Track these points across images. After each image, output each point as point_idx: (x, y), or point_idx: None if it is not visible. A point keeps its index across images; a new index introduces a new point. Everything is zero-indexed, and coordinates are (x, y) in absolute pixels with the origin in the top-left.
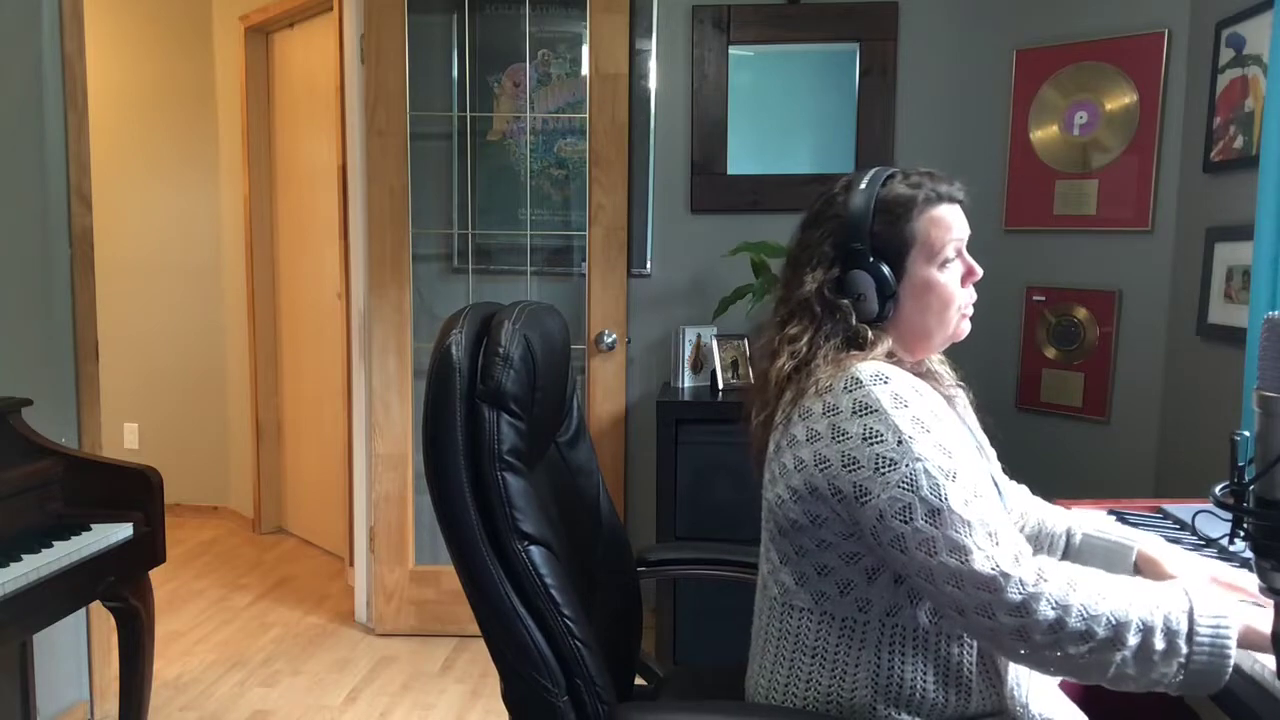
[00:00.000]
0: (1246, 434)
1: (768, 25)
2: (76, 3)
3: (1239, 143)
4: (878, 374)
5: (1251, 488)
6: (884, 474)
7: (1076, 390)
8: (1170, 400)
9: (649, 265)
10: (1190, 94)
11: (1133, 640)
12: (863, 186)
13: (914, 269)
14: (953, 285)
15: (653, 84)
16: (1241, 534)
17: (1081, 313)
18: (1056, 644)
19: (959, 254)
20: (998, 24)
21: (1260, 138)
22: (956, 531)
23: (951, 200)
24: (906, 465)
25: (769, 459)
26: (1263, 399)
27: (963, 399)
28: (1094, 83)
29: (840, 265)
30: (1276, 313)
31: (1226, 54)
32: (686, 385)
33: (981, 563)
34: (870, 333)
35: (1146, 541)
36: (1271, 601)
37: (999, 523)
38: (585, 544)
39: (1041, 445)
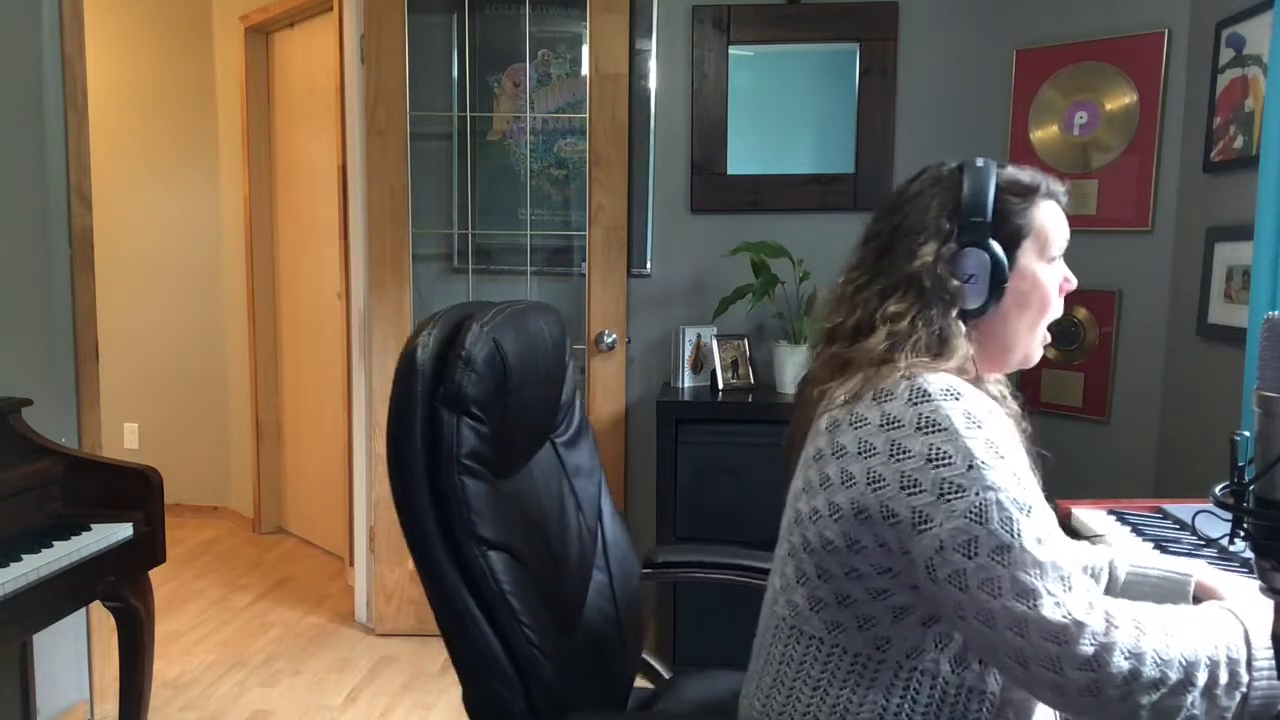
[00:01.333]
0: (1246, 434)
1: (768, 25)
2: (76, 3)
3: (1239, 143)
4: (949, 389)
5: (1251, 488)
6: (949, 501)
7: (1076, 390)
8: (1170, 400)
9: (649, 265)
10: (1190, 94)
11: (1202, 678)
12: (979, 165)
13: (1024, 260)
14: (1053, 288)
15: (653, 84)
16: (1241, 534)
17: (1081, 313)
18: (1129, 696)
19: (1061, 257)
20: (998, 24)
21: (1260, 138)
22: (1027, 573)
23: (1060, 201)
24: (976, 494)
25: (804, 462)
26: (1263, 399)
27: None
28: (1094, 83)
29: (956, 241)
30: (1276, 313)
31: (1226, 54)
32: (686, 385)
33: (1051, 609)
34: (955, 334)
35: (1200, 571)
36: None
37: (1071, 565)
38: (584, 545)
39: (1041, 445)
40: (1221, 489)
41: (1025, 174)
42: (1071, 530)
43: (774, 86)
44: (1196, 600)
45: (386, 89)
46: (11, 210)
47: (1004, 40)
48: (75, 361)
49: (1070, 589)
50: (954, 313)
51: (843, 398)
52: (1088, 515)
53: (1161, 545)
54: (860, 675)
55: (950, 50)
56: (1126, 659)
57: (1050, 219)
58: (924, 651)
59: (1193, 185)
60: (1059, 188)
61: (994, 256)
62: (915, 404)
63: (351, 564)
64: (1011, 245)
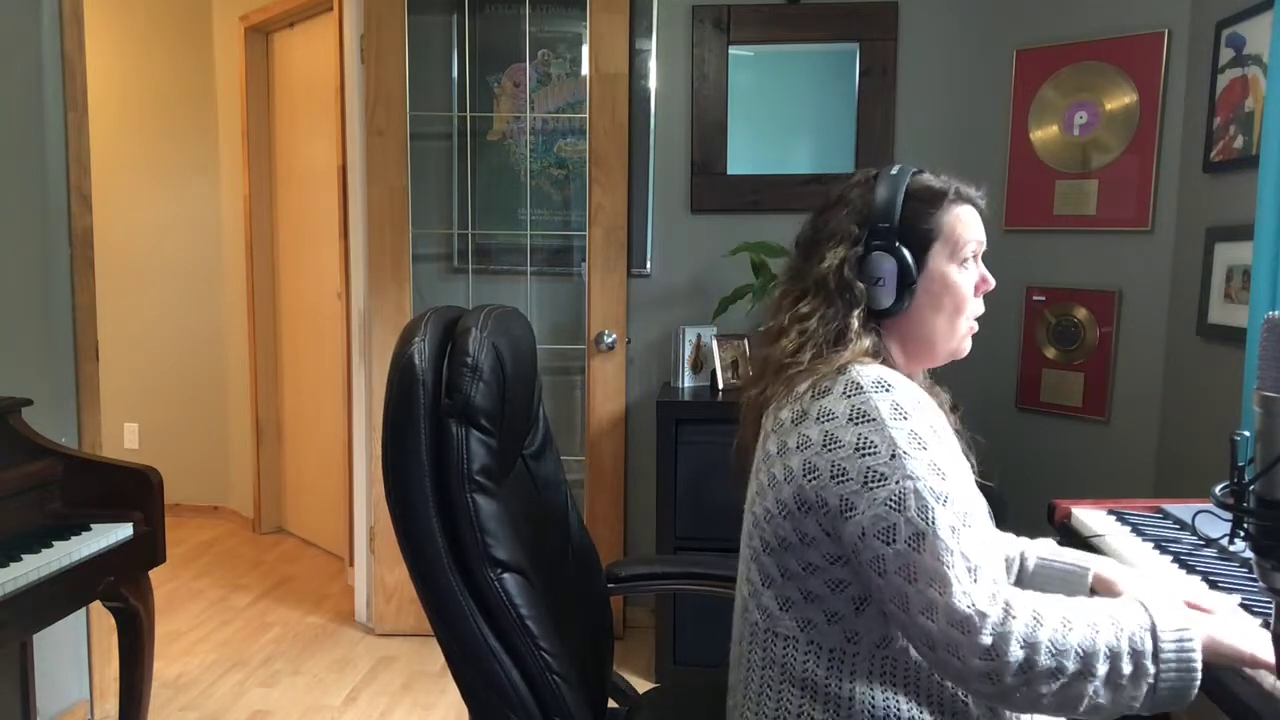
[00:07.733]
0: (1246, 434)
1: (768, 25)
2: (76, 3)
3: (1239, 143)
4: (880, 380)
5: (1251, 488)
6: (872, 489)
7: (1076, 390)
8: (1170, 400)
9: (649, 265)
10: (1190, 94)
11: (1101, 669)
12: (893, 173)
13: (934, 263)
14: (967, 289)
15: (653, 84)
16: (1241, 534)
17: (1081, 313)
18: (1027, 684)
19: (976, 258)
20: (998, 24)
21: (1260, 138)
22: (939, 560)
23: (975, 204)
24: (896, 482)
25: (756, 467)
26: (1263, 399)
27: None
28: (1094, 83)
29: (864, 245)
30: (1276, 313)
31: (1226, 54)
32: (686, 385)
33: (959, 598)
34: (851, 329)
35: (1101, 564)
36: (1253, 613)
37: (982, 555)
38: (557, 562)
39: (1041, 445)
40: (1221, 489)
41: (937, 180)
42: (1072, 530)
43: (774, 86)
44: (1094, 591)
45: (386, 89)
46: (11, 210)
47: (1004, 40)
48: (75, 361)
49: (977, 580)
50: (856, 312)
51: (786, 398)
52: (1088, 515)
53: (1161, 545)
54: (840, 669)
55: (950, 50)
56: (1022, 648)
57: (960, 223)
58: (892, 640)
59: (1193, 185)
60: (972, 192)
61: (900, 260)
62: (849, 396)
63: (351, 564)
64: (921, 249)
